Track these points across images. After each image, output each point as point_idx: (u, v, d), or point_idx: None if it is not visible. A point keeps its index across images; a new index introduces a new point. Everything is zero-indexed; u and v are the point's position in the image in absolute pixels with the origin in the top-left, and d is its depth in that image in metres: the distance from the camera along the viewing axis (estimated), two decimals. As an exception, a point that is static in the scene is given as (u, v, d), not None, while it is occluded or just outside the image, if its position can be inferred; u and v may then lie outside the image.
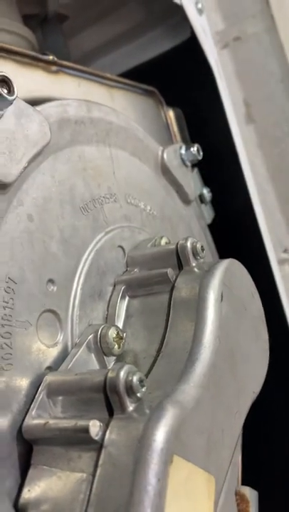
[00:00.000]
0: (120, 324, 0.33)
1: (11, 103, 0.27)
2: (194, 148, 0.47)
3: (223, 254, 0.56)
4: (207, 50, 0.57)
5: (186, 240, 0.35)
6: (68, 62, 0.39)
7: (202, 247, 0.35)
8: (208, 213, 0.54)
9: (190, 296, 0.32)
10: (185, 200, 0.47)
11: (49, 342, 0.29)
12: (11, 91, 0.27)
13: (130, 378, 0.24)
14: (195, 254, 0.34)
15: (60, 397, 0.26)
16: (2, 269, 0.27)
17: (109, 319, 0.33)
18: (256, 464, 0.51)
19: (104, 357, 0.30)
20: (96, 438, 0.23)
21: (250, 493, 0.48)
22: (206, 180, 0.55)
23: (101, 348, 0.30)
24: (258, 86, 0.72)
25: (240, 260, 0.58)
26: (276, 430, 0.53)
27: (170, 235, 0.42)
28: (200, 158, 0.48)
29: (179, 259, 0.35)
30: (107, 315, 0.33)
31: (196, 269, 0.34)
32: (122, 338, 0.31)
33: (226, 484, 0.43)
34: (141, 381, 0.25)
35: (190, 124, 0.57)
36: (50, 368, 0.28)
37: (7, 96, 0.27)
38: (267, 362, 0.36)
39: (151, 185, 0.42)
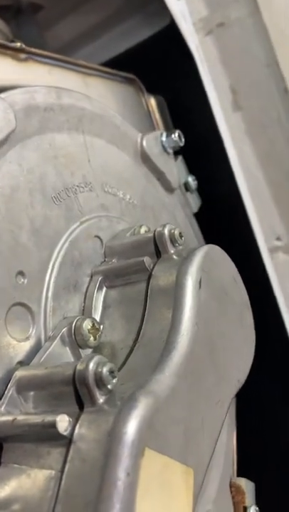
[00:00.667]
0: (98, 316, 0.32)
1: None
2: (175, 135, 0.46)
3: (211, 243, 0.55)
4: (187, 36, 0.56)
5: (164, 226, 0.33)
6: (38, 50, 0.38)
7: (180, 233, 0.34)
8: (194, 202, 0.53)
9: (167, 284, 0.30)
10: (168, 188, 0.46)
11: (20, 336, 0.28)
12: None
13: (100, 370, 0.23)
14: (173, 241, 0.33)
15: (31, 393, 0.25)
16: None
17: (86, 311, 0.32)
18: (252, 457, 0.50)
19: (80, 350, 0.29)
20: (64, 433, 0.22)
21: (246, 485, 0.47)
22: (192, 169, 0.54)
23: (76, 341, 0.29)
24: (244, 72, 0.70)
25: (229, 249, 0.57)
26: (273, 423, 0.52)
27: (152, 223, 0.41)
28: (182, 144, 0.47)
29: (157, 247, 0.33)
30: (83, 307, 0.32)
31: (174, 257, 0.33)
32: (98, 329, 0.30)
33: (219, 476, 0.42)
34: (111, 372, 0.24)
35: (173, 112, 0.56)
36: (21, 363, 0.27)
37: None
38: (253, 349, 0.35)
39: (130, 174, 0.41)
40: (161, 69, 0.57)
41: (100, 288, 0.33)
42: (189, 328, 0.28)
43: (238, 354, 0.33)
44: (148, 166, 0.44)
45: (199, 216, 0.54)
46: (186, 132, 0.56)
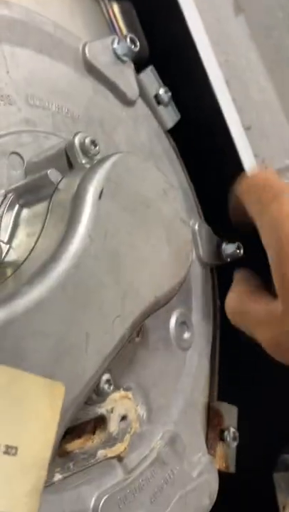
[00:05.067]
0: (6, 236, 0.31)
1: None
2: (127, 40, 0.42)
3: (189, 161, 0.51)
4: None
5: (75, 135, 0.31)
6: None
7: (93, 141, 0.31)
8: (169, 116, 0.49)
9: (67, 197, 0.28)
10: (124, 100, 0.42)
11: None
12: None
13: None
14: (84, 151, 0.31)
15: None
16: None
17: (-5, 231, 0.31)
18: (234, 381, 0.48)
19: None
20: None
21: (225, 408, 0.46)
22: (169, 81, 0.50)
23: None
24: None
25: (210, 166, 0.53)
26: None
27: (103, 139, 0.38)
28: (136, 49, 0.42)
29: (69, 158, 0.31)
30: (-6, 227, 0.31)
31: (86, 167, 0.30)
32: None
33: (184, 398, 0.41)
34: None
35: (147, 22, 0.50)
36: None
37: None
38: (185, 268, 0.32)
39: (69, 85, 0.38)
40: None
41: (10, 207, 0.31)
42: (79, 242, 0.26)
43: (159, 271, 0.30)
44: (96, 77, 0.40)
45: (177, 132, 0.50)
46: (159, 41, 0.51)
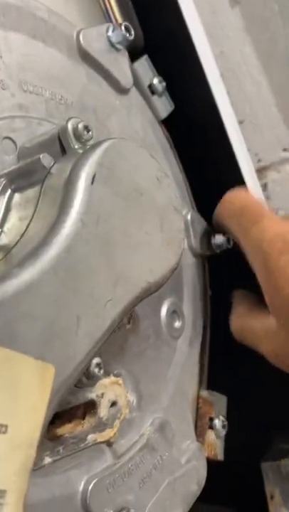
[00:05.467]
0: (-2, 220, 0.31)
1: None
2: (122, 28, 0.42)
3: (183, 152, 0.51)
4: None
5: (68, 120, 0.31)
6: None
7: (86, 127, 0.31)
8: (163, 105, 0.49)
9: (60, 181, 0.28)
10: (118, 88, 0.42)
11: None
12: None
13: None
14: (77, 136, 0.31)
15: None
16: None
17: (-13, 215, 0.31)
18: (224, 370, 0.48)
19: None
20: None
21: (215, 398, 0.46)
22: (163, 71, 0.49)
23: None
24: None
25: (203, 158, 0.53)
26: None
27: (96, 127, 0.38)
28: (130, 38, 0.42)
29: (62, 144, 0.31)
30: (-14, 211, 0.31)
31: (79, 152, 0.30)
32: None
33: (174, 386, 0.41)
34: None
35: (143, 12, 0.50)
36: None
37: None
38: (176, 255, 0.32)
39: (63, 71, 0.38)
40: None
41: (2, 191, 0.31)
42: (70, 226, 0.26)
43: (151, 257, 0.31)
44: (90, 64, 0.40)
45: (171, 123, 0.50)
46: (154, 30, 0.51)
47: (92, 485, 0.31)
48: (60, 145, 0.31)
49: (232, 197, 0.43)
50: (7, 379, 0.21)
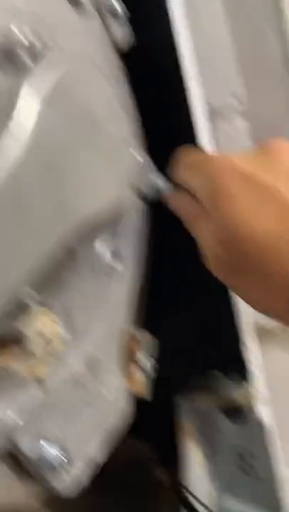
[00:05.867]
0: None
1: None
2: None
3: (138, 90, 0.48)
4: None
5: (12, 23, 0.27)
6: None
7: (37, 32, 0.28)
8: (122, 33, 0.46)
9: (9, 101, 0.26)
10: (73, 1, 0.39)
11: None
12: None
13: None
14: (27, 45, 0.28)
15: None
16: None
17: None
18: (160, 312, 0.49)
19: None
20: None
21: (145, 337, 0.46)
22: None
23: None
24: None
25: (157, 98, 0.51)
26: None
27: (46, 40, 0.34)
28: None
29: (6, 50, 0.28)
30: None
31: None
32: None
33: (108, 324, 0.41)
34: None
35: None
36: None
37: None
38: (123, 189, 0.31)
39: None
40: None
41: None
42: (17, 149, 0.24)
43: (98, 190, 0.29)
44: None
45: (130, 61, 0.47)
46: None
47: (16, 415, 0.31)
48: (3, 53, 0.28)
49: (190, 151, 0.41)
50: None
